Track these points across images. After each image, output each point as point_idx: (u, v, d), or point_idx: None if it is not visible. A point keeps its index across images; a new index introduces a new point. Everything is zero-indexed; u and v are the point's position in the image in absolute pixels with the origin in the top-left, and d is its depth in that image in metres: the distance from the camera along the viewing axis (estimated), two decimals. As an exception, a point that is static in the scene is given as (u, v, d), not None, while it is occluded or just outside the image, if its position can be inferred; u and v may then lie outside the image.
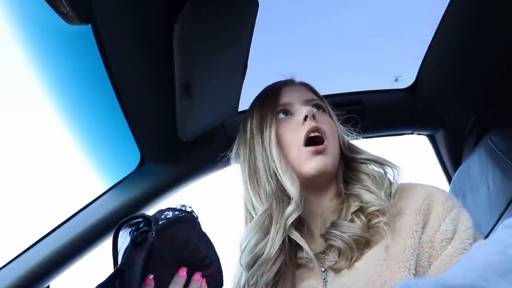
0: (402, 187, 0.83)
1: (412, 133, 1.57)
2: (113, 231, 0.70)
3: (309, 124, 0.84)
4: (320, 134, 0.84)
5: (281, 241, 0.80)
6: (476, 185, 1.29)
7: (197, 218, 0.70)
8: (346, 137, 0.92)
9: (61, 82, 1.09)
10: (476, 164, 1.29)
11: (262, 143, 0.86)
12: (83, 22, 0.76)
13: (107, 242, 1.22)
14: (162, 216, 0.68)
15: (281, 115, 0.89)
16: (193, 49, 0.88)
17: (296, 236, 0.81)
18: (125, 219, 0.69)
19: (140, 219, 0.68)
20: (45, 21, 0.92)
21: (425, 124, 1.54)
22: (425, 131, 1.58)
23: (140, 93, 1.02)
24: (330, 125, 0.88)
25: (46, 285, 1.20)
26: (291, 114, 0.88)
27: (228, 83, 1.09)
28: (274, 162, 0.84)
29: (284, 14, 1.26)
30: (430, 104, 1.48)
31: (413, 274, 0.72)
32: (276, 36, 1.30)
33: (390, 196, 0.81)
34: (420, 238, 0.74)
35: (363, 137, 0.95)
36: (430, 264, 0.73)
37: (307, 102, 0.90)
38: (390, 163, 0.86)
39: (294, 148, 0.84)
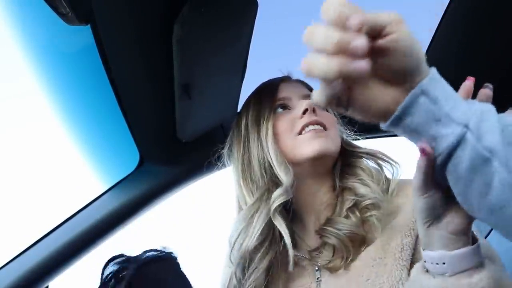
0: (400, 184, 0.82)
1: (411, 134, 1.56)
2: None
3: (309, 117, 0.82)
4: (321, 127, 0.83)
5: (263, 226, 0.77)
6: (475, 185, 1.28)
7: (176, 258, 0.71)
8: (344, 135, 0.91)
9: (61, 83, 1.09)
10: (476, 164, 1.29)
11: (258, 136, 0.85)
12: (83, 23, 0.77)
13: (107, 243, 1.22)
14: (144, 256, 0.69)
15: (279, 109, 0.87)
16: (192, 50, 0.88)
17: (279, 221, 0.78)
18: (110, 258, 0.71)
19: (123, 258, 0.69)
20: (45, 22, 0.92)
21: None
22: (424, 131, 1.57)
23: (139, 93, 1.02)
24: (330, 117, 0.87)
25: (46, 285, 1.19)
26: (289, 109, 0.87)
27: (228, 84, 1.09)
28: (269, 153, 0.82)
29: (284, 14, 1.26)
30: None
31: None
32: (275, 36, 1.30)
33: (387, 192, 0.80)
34: (417, 236, 0.73)
35: (362, 138, 0.94)
36: None
37: (305, 97, 0.88)
38: (389, 158, 0.85)
39: (289, 138, 0.82)
